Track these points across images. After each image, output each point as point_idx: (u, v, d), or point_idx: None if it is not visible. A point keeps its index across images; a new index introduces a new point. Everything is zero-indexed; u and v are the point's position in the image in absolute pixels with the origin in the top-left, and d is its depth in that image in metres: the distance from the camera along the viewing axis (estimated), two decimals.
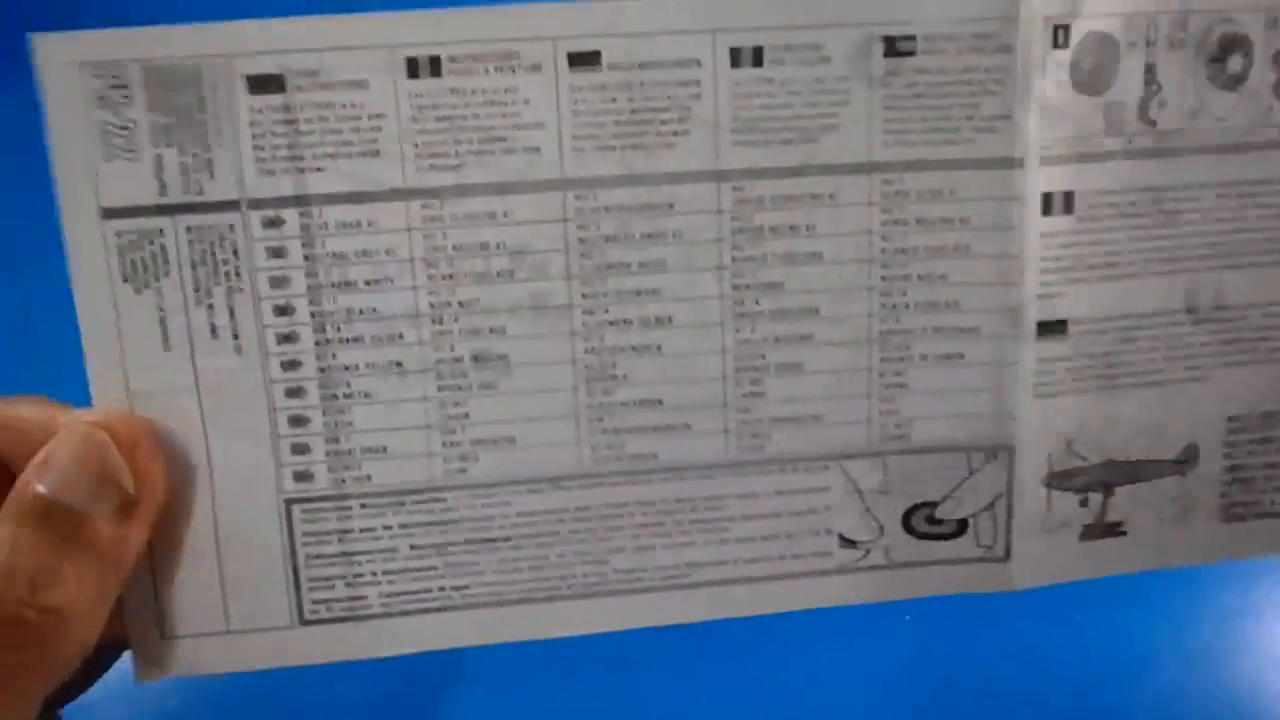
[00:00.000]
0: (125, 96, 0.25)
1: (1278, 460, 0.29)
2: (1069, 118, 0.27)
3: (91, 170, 0.25)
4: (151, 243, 0.25)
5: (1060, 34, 0.26)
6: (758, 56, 0.26)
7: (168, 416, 0.26)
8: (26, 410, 0.25)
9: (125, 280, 0.26)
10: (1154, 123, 0.27)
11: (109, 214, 0.25)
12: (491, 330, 0.27)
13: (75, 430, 0.24)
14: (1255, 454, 0.29)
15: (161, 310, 0.26)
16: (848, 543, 0.28)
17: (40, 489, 0.23)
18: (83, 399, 0.26)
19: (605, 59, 0.26)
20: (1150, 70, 0.27)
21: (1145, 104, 0.27)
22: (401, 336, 0.27)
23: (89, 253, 0.25)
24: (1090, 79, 0.27)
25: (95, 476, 0.24)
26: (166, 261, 0.26)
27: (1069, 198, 0.27)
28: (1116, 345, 0.28)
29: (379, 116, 0.25)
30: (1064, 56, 0.26)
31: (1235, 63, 0.27)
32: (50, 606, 0.23)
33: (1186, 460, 0.29)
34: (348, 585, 0.27)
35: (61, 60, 0.24)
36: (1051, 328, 0.27)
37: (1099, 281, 0.28)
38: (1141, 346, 0.28)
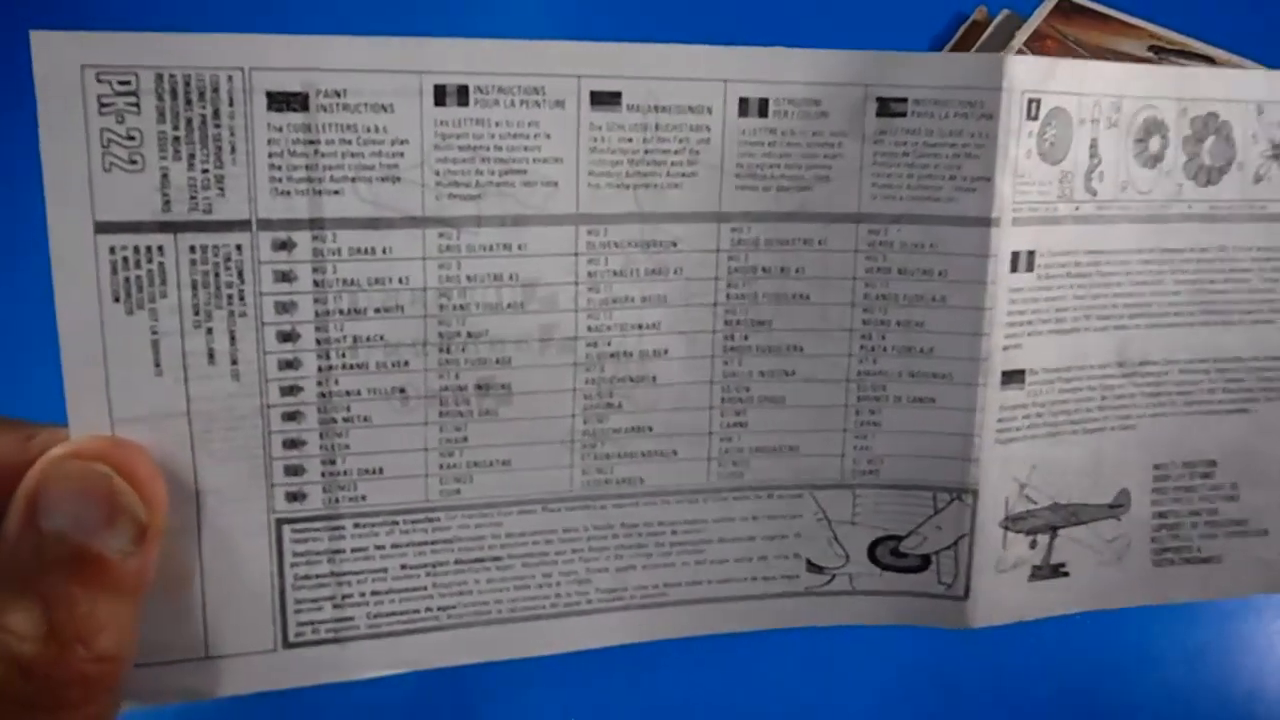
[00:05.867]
0: (132, 104, 0.23)
1: (1200, 508, 0.32)
2: (1034, 183, 0.29)
3: (86, 181, 0.23)
4: (150, 261, 0.24)
5: (1032, 106, 0.28)
6: (763, 108, 0.27)
7: (154, 441, 0.25)
8: None
9: (116, 300, 0.24)
10: (1095, 193, 0.30)
11: (103, 228, 0.24)
12: (498, 361, 0.27)
13: (73, 469, 0.23)
14: (1180, 501, 0.32)
15: (155, 333, 0.24)
16: (815, 568, 0.30)
17: (57, 538, 0.22)
18: (60, 420, 0.24)
19: (625, 99, 0.26)
20: (1094, 145, 0.29)
21: (1089, 175, 0.30)
22: (407, 364, 0.26)
23: (77, 269, 0.24)
24: (1050, 149, 0.29)
25: (107, 515, 0.22)
26: (164, 282, 0.24)
27: (1031, 256, 0.29)
28: (1061, 395, 0.30)
29: (402, 142, 0.25)
30: (1033, 127, 0.28)
31: (1154, 144, 0.30)
32: (106, 655, 0.22)
33: (1121, 505, 0.32)
34: (335, 606, 0.27)
35: (64, 61, 0.23)
36: (1012, 377, 0.30)
37: (1050, 334, 0.30)
38: (1081, 396, 0.31)
